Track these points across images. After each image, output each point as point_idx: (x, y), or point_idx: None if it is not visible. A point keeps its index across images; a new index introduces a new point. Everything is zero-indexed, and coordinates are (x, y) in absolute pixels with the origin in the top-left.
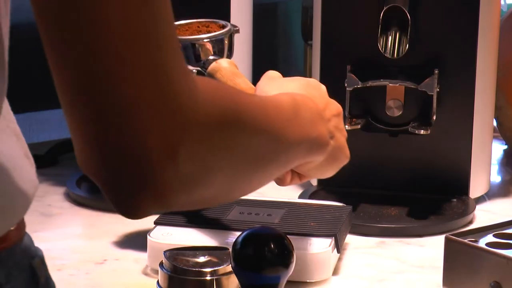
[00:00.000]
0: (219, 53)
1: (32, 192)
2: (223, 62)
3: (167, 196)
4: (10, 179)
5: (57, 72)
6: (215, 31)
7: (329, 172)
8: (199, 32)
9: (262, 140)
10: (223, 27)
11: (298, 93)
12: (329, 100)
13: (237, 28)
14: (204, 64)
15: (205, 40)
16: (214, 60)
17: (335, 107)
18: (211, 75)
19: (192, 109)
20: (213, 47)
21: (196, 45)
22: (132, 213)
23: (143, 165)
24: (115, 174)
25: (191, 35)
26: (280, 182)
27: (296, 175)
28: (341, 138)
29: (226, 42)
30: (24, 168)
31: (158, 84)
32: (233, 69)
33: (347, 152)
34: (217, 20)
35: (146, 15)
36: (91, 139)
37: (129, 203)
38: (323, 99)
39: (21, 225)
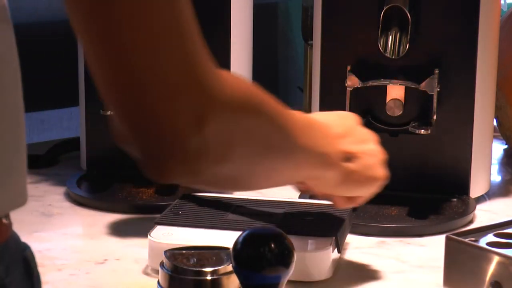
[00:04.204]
0: None
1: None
2: None
3: (192, 163)
4: None
5: (93, 61)
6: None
7: (358, 191)
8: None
9: (275, 131)
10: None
11: (314, 117)
12: (355, 129)
13: None
14: None
15: None
16: None
17: (361, 134)
18: None
19: (217, 88)
20: None
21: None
22: (160, 176)
23: (172, 133)
24: (147, 141)
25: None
26: (334, 204)
27: (350, 201)
28: (369, 160)
29: None
30: None
31: (187, 68)
32: None
33: (375, 172)
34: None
35: (174, 13)
36: (129, 114)
37: (158, 167)
38: (345, 127)
39: (9, 217)
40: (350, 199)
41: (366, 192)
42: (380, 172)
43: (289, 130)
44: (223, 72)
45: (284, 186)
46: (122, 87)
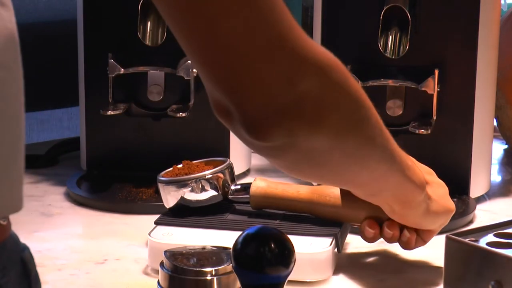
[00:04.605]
0: (233, 180)
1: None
2: (258, 181)
3: (287, 122)
4: None
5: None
6: (204, 167)
7: (435, 222)
8: (202, 170)
9: (361, 106)
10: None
11: None
12: (419, 163)
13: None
14: (235, 192)
15: (224, 171)
16: (243, 185)
17: (425, 167)
18: (257, 195)
19: (306, 51)
20: (230, 176)
21: (214, 179)
22: (259, 137)
23: (266, 93)
24: (243, 103)
25: (196, 173)
26: (405, 245)
27: (419, 238)
28: (440, 190)
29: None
30: None
31: (278, 30)
32: (270, 181)
33: (448, 202)
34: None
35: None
36: (223, 78)
37: (256, 127)
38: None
39: (8, 219)
40: (423, 235)
41: (438, 224)
42: (451, 202)
43: (375, 115)
44: (310, 39)
45: (369, 192)
46: (214, 53)
